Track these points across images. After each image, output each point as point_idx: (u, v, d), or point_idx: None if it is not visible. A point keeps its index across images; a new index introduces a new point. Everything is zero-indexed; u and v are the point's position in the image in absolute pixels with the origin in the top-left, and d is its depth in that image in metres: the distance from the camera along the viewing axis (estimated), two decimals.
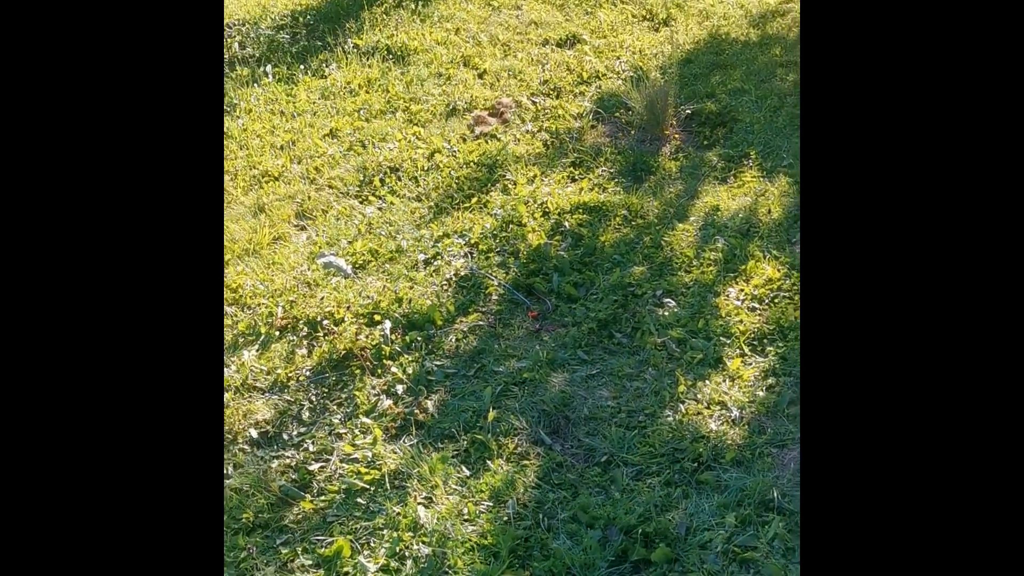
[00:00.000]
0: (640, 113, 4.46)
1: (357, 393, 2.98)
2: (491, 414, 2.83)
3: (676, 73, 4.89)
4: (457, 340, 3.21)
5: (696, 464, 2.65)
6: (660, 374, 2.99)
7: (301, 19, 5.89)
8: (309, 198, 4.11)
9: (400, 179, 4.21)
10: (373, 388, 3.01)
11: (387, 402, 2.94)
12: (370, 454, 2.76)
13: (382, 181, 4.20)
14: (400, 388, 3.00)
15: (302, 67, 5.29)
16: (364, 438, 2.83)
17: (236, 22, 5.77)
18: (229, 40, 5.52)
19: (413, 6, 5.94)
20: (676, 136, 4.43)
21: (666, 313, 3.24)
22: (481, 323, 3.28)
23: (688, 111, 4.57)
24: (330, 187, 4.20)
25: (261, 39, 5.56)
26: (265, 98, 4.98)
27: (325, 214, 4.00)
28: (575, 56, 5.26)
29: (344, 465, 2.74)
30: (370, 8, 5.94)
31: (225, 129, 4.71)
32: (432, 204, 4.02)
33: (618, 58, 5.24)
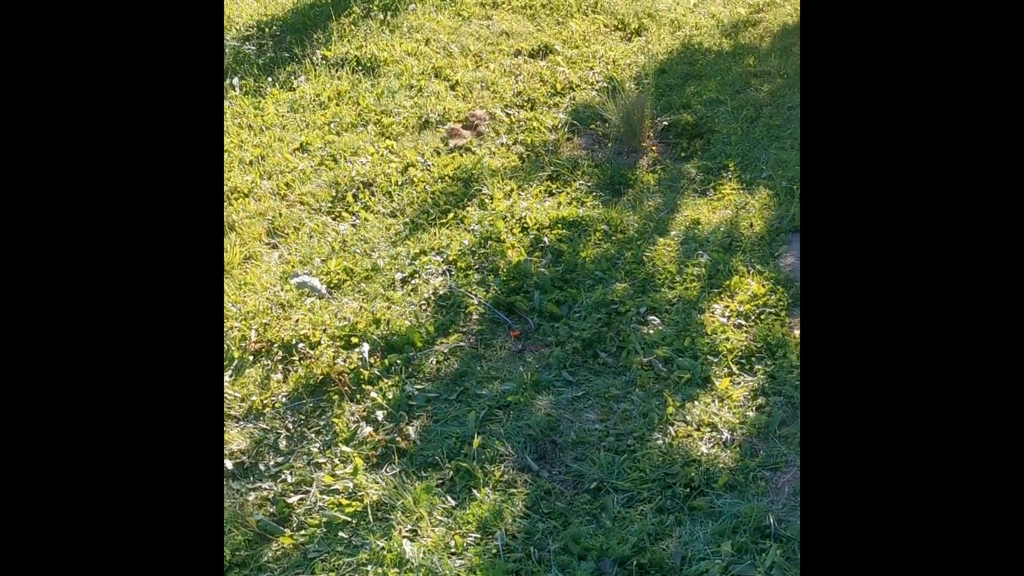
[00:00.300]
0: (617, 125, 4.40)
1: (336, 420, 2.88)
2: (476, 441, 2.75)
3: (651, 84, 4.84)
4: (438, 362, 3.11)
5: (688, 489, 2.58)
6: (647, 395, 2.92)
7: (267, 30, 5.77)
8: (280, 215, 3.99)
9: (374, 194, 4.11)
10: (352, 414, 2.91)
11: (367, 429, 2.84)
12: (351, 485, 2.66)
13: (355, 197, 4.10)
14: (380, 414, 2.90)
15: (269, 79, 5.17)
16: (344, 468, 2.72)
17: None
18: None
19: (382, 16, 5.84)
20: (653, 148, 4.38)
21: (651, 331, 3.18)
22: (462, 344, 3.19)
23: (665, 123, 4.52)
24: (301, 203, 4.09)
25: (227, 51, 5.43)
26: (232, 111, 4.85)
27: (297, 231, 3.89)
28: (548, 67, 5.20)
29: (324, 497, 2.63)
30: (337, 18, 5.84)
31: None
32: (407, 220, 3.92)
33: (591, 68, 5.19)
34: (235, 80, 5.09)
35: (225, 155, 4.46)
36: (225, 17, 5.92)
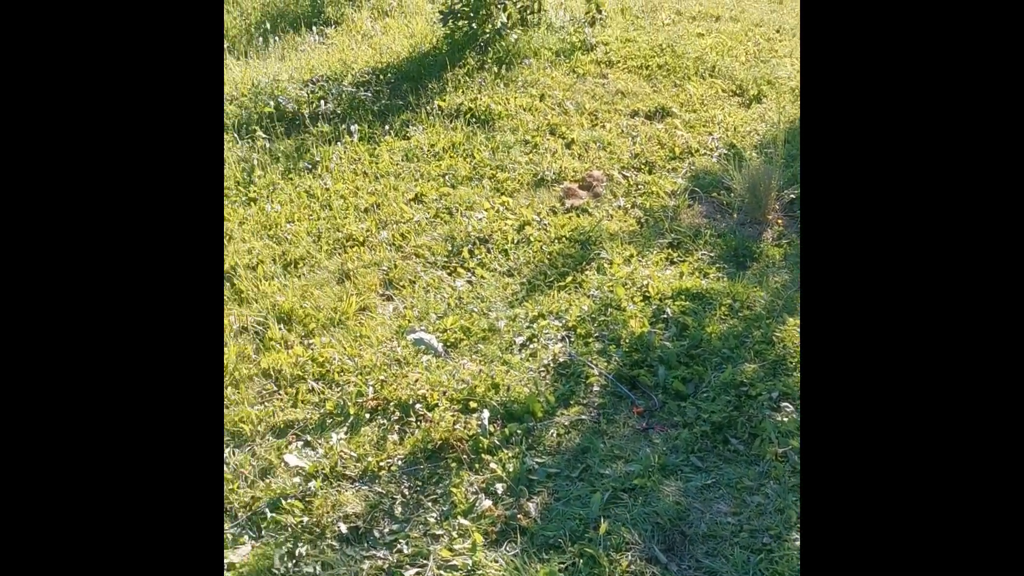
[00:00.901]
0: (741, 195, 4.26)
1: (454, 490, 2.76)
2: (603, 526, 2.60)
3: (779, 154, 4.69)
4: (559, 435, 2.99)
5: None
6: (783, 489, 2.75)
7: (382, 76, 5.80)
8: (395, 266, 3.94)
9: (490, 251, 4.04)
10: (471, 485, 2.80)
11: (486, 502, 2.72)
12: (470, 562, 2.53)
13: (471, 252, 4.02)
14: (500, 487, 2.78)
15: (385, 127, 5.18)
16: (463, 542, 2.60)
17: (320, 78, 5.68)
18: (312, 96, 5.43)
19: (496, 69, 5.83)
20: (779, 221, 4.23)
21: (785, 419, 3.01)
22: (584, 417, 3.06)
23: (791, 195, 4.36)
24: (417, 256, 4.03)
25: (343, 96, 5.46)
26: (348, 157, 4.86)
27: (413, 285, 3.83)
28: (665, 130, 5.10)
29: (442, 572, 2.51)
30: (452, 69, 5.84)
31: (308, 188, 4.58)
32: (524, 281, 3.83)
33: (710, 134, 5.07)
34: (354, 126, 5.11)
35: (340, 201, 4.45)
36: (342, 62, 5.98)
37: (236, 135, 5.11)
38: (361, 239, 4.15)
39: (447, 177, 4.66)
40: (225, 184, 4.65)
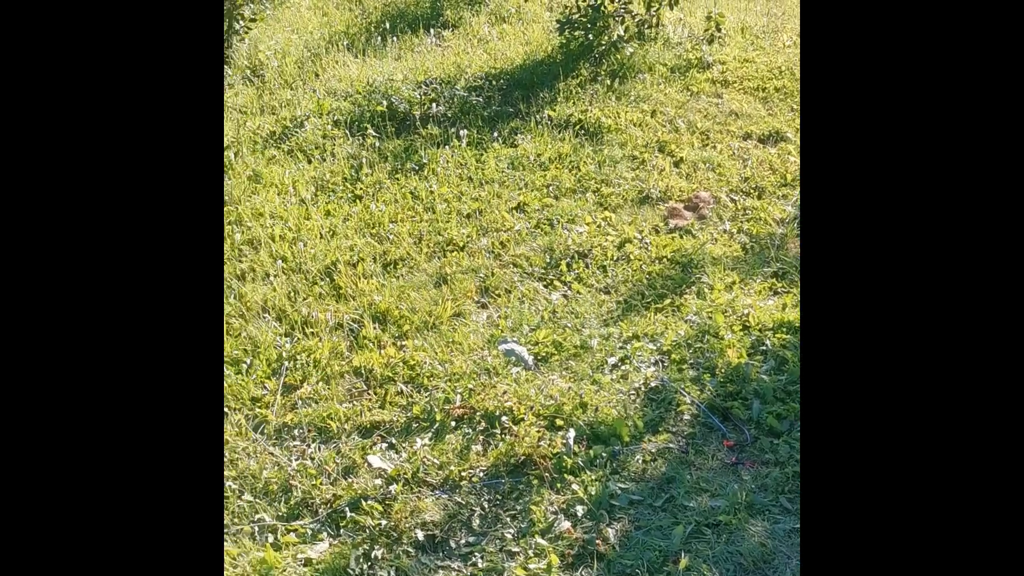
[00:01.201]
0: None
1: (533, 507, 2.73)
2: (683, 561, 2.53)
3: None
4: (644, 462, 2.92)
5: None
6: None
7: (495, 82, 5.81)
8: (493, 274, 3.93)
9: (588, 266, 3.99)
10: (551, 504, 2.76)
11: (565, 524, 2.68)
12: None
13: (569, 266, 3.99)
14: (580, 509, 2.73)
15: (493, 133, 5.19)
16: (538, 562, 2.57)
17: (433, 80, 5.73)
18: (424, 98, 5.48)
19: (608, 82, 5.78)
20: None
21: None
22: (671, 446, 2.99)
23: None
24: (515, 265, 4.01)
25: (455, 99, 5.50)
26: (455, 161, 4.88)
27: (508, 294, 3.81)
28: (779, 155, 4.96)
29: None
30: (565, 79, 5.82)
31: (413, 189, 4.62)
32: (621, 299, 3.77)
33: None
34: (462, 130, 5.13)
35: (443, 204, 4.47)
36: (456, 66, 6.02)
37: (347, 131, 5.20)
38: (461, 244, 4.16)
39: (551, 188, 4.64)
40: (332, 180, 4.73)
